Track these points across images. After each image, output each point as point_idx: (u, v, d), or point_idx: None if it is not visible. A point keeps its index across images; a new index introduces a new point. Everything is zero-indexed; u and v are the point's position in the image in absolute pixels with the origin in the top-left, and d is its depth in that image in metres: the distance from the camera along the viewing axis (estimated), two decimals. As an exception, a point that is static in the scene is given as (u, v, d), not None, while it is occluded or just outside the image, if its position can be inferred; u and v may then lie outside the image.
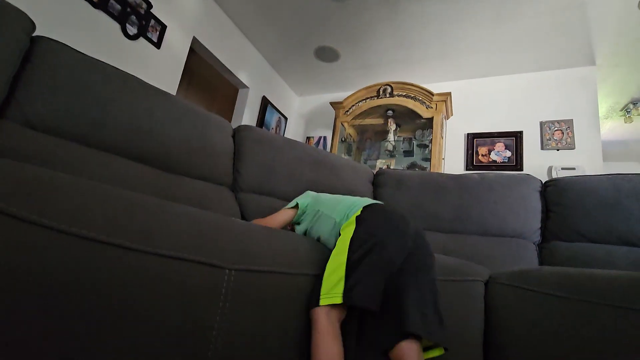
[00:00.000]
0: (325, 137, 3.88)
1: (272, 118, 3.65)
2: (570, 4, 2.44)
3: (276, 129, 3.74)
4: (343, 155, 3.52)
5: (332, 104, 3.46)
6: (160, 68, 2.39)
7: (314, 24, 2.96)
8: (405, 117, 3.27)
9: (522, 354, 0.76)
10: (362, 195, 1.72)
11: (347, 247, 0.72)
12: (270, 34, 3.17)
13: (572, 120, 2.95)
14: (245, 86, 3.33)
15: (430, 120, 3.03)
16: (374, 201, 0.89)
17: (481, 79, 3.37)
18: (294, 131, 4.10)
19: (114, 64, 1.19)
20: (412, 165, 3.23)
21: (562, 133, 2.95)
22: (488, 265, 1.33)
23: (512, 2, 2.48)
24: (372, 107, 3.27)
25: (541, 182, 1.57)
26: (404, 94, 3.15)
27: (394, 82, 3.19)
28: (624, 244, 1.21)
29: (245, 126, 1.57)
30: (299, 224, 1.05)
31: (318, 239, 0.93)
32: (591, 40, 2.78)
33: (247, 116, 3.33)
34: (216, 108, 3.73)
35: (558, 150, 2.93)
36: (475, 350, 0.80)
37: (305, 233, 1.01)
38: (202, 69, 3.49)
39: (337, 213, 0.88)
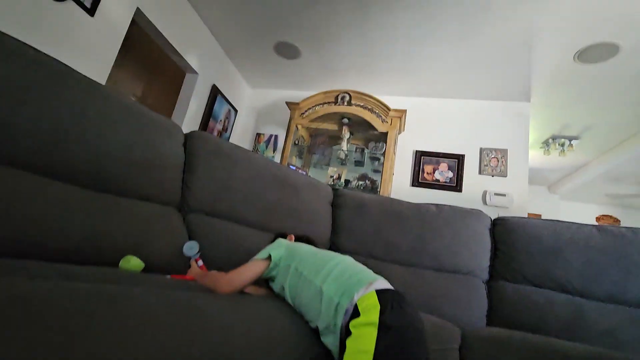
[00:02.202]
0: (277, 136, 3.71)
1: (221, 109, 3.36)
2: (520, 42, 2.62)
3: (225, 121, 3.46)
4: (294, 158, 3.40)
5: (288, 103, 3.30)
6: (92, 40, 2.00)
7: (279, 17, 2.76)
8: (360, 127, 3.26)
9: None
10: (322, 217, 1.63)
11: None
12: (229, 18, 2.88)
13: (506, 150, 3.22)
14: (194, 71, 3.00)
15: (385, 134, 3.06)
16: (378, 278, 0.78)
17: (434, 99, 3.50)
18: (243, 125, 3.84)
19: (30, 33, 0.91)
20: (363, 177, 3.25)
21: (498, 161, 3.21)
22: (445, 304, 1.35)
23: (471, 30, 2.58)
24: (328, 113, 3.19)
25: (491, 219, 1.65)
26: (362, 104, 3.13)
27: (353, 91, 3.15)
28: (562, 292, 1.31)
29: (200, 133, 1.36)
30: (271, 279, 0.92)
31: (288, 299, 0.83)
32: (531, 79, 3.05)
33: (193, 105, 3.01)
34: (157, 93, 3.30)
35: (492, 176, 3.18)
36: None
37: (278, 289, 0.90)
38: (144, 47, 3.05)
39: (323, 280, 0.77)
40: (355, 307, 0.68)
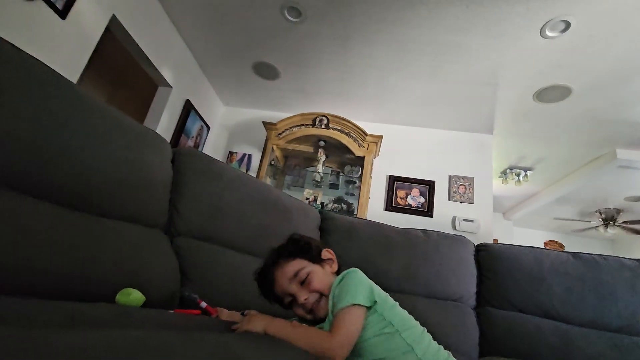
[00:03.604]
0: (250, 155, 3.62)
1: (193, 126, 3.22)
2: (485, 81, 2.83)
3: (197, 137, 3.32)
4: (269, 179, 3.32)
5: (265, 123, 3.25)
6: (61, 44, 1.84)
7: (259, 37, 2.76)
8: (336, 150, 3.29)
9: None
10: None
11: None
12: (208, 34, 2.82)
13: (473, 178, 3.40)
14: (167, 84, 2.87)
15: (361, 158, 3.10)
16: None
17: (406, 127, 3.64)
18: (214, 143, 3.71)
19: None
20: (339, 199, 3.24)
21: (465, 188, 3.37)
22: (438, 332, 1.33)
23: (441, 67, 2.75)
24: (306, 135, 3.18)
25: (474, 245, 1.69)
26: (339, 128, 3.16)
27: (330, 115, 3.18)
28: (548, 318, 1.35)
29: (190, 150, 1.27)
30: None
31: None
32: (494, 114, 3.29)
33: (165, 119, 2.85)
34: (124, 105, 3.10)
35: (461, 202, 3.33)
36: None
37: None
38: (117, 56, 2.87)
39: (424, 353, 0.68)
40: None
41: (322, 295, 0.75)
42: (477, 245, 1.68)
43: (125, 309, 0.58)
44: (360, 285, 0.71)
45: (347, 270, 0.76)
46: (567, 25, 2.16)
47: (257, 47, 2.87)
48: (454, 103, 3.17)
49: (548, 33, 2.24)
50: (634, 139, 3.25)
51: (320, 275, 0.77)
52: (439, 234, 1.67)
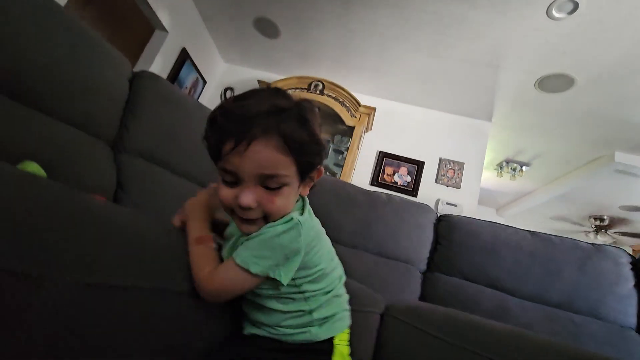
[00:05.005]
0: (243, 115, 3.59)
1: (188, 76, 3.19)
2: (488, 61, 2.74)
3: (190, 90, 3.30)
4: (258, 139, 3.31)
5: (260, 82, 3.21)
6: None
7: (262, -10, 2.68)
8: (328, 118, 3.24)
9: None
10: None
11: None
12: (209, -19, 2.75)
13: (463, 163, 3.35)
14: (164, 29, 2.83)
15: (352, 129, 3.06)
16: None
17: (402, 104, 3.57)
18: (209, 99, 3.68)
19: None
20: (325, 168, 3.23)
21: (454, 172, 3.33)
22: (382, 288, 1.34)
23: (446, 42, 2.66)
24: (299, 99, 3.14)
25: (437, 214, 1.68)
26: (334, 95, 3.12)
27: (326, 81, 3.13)
28: (490, 287, 1.36)
29: (152, 74, 1.26)
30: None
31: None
32: (494, 100, 3.20)
33: (157, 64, 2.83)
34: (119, 45, 3.07)
35: (447, 186, 3.30)
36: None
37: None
38: (111, -9, 2.82)
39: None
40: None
41: (268, 218, 0.53)
42: (440, 216, 1.67)
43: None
44: (275, 252, 0.51)
45: (292, 221, 0.52)
46: (575, 6, 2.06)
47: (259, 0, 2.80)
48: (454, 83, 3.09)
49: (555, 13, 2.14)
50: (634, 144, 3.16)
51: (291, 197, 0.54)
52: (402, 199, 1.66)
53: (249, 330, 0.59)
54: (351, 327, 0.66)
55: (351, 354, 0.64)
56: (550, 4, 2.10)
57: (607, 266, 1.30)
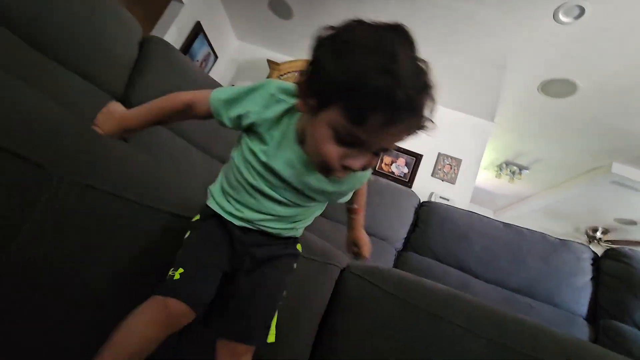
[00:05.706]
0: (250, 93, 3.67)
1: (200, 49, 3.27)
2: (495, 61, 2.77)
3: (202, 63, 3.38)
4: (262, 118, 3.39)
5: (269, 62, 3.28)
6: None
7: (278, -30, 2.72)
8: (334, 104, 3.31)
9: (349, 338, 0.84)
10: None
11: None
12: (228, -44, 2.80)
13: (461, 160, 3.41)
14: (180, 0, 2.89)
15: (354, 115, 3.13)
16: None
17: (408, 97, 3.61)
18: (220, 74, 3.76)
19: None
20: (324, 151, 3.31)
21: (451, 168, 3.39)
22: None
23: (454, 37, 2.69)
24: (306, 82, 3.21)
25: (419, 200, 1.77)
26: (340, 81, 3.17)
27: (334, 66, 3.18)
28: (457, 268, 1.45)
29: (160, 39, 1.35)
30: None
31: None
32: (498, 100, 3.23)
33: (171, 35, 2.90)
34: (135, 12, 3.15)
35: (442, 181, 3.37)
36: (309, 329, 0.85)
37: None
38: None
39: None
40: None
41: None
42: (423, 202, 1.76)
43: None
44: (235, 89, 0.56)
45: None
46: (582, 11, 2.08)
47: (275, -20, 2.85)
48: (460, 79, 3.12)
49: (561, 17, 2.17)
50: (632, 156, 3.18)
51: None
52: (389, 183, 1.75)
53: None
54: (310, 277, 0.76)
55: (307, 303, 0.74)
56: (557, 7, 2.13)
57: (569, 259, 1.38)
